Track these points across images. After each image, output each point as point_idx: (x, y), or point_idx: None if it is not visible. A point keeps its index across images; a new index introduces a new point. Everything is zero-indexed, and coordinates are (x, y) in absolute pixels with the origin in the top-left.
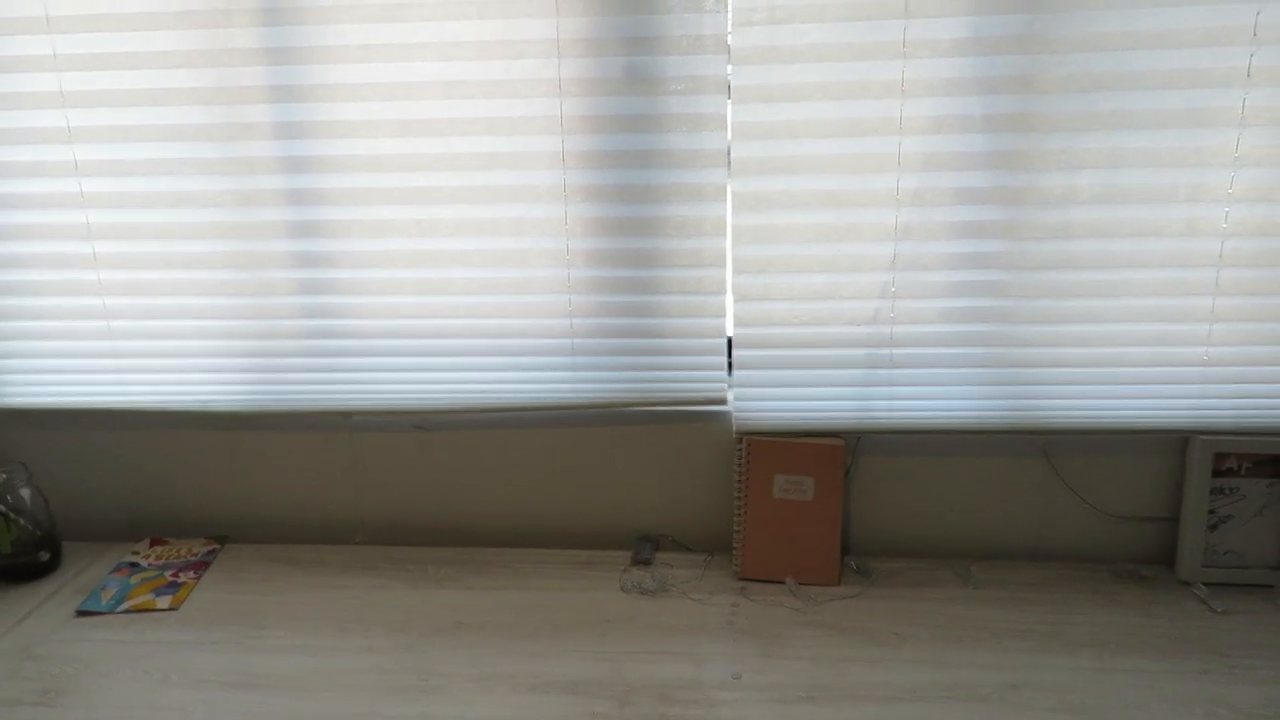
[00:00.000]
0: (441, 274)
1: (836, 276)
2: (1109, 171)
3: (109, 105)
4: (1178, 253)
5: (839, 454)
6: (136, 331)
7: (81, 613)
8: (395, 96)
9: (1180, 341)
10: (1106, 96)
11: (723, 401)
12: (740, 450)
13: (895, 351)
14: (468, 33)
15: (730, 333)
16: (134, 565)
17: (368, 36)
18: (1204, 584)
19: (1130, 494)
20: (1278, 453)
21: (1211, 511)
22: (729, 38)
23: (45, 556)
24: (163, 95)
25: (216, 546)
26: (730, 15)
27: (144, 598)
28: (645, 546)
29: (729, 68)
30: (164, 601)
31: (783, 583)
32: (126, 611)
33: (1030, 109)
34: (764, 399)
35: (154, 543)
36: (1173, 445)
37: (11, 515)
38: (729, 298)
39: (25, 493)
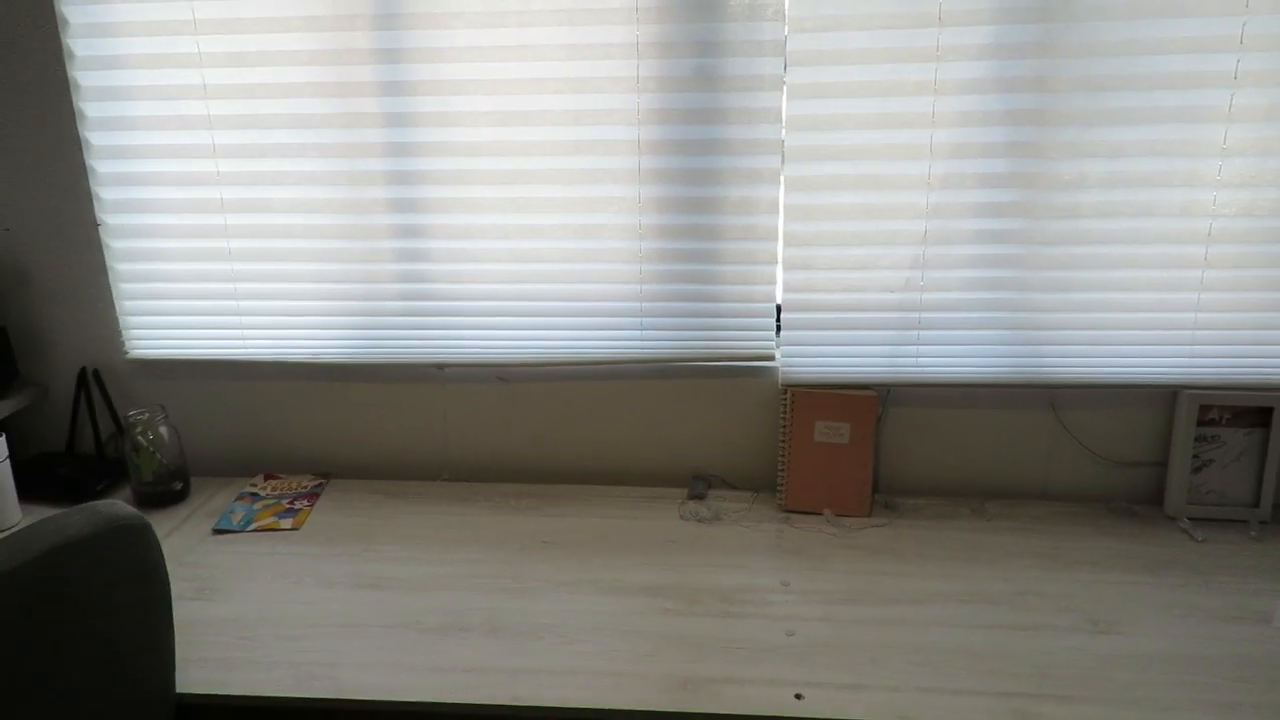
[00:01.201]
0: (529, 244)
1: (874, 250)
2: (1113, 160)
3: (243, 97)
4: (1172, 231)
5: (872, 404)
6: (259, 293)
7: (217, 531)
8: (494, 91)
9: (1172, 308)
10: (1111, 95)
11: (771, 358)
12: (785, 400)
13: (923, 315)
14: (560, 37)
15: (779, 298)
16: (254, 495)
17: (471, 40)
18: (1188, 519)
19: (1126, 441)
20: (1255, 405)
21: (1196, 456)
22: (785, 42)
23: (179, 486)
24: (290, 89)
25: (323, 481)
26: (786, 23)
27: (269, 520)
28: (699, 484)
29: (785, 68)
30: (287, 523)
31: (821, 514)
32: (255, 530)
33: (1045, 105)
34: (807, 356)
35: (267, 477)
36: (1163, 398)
37: (151, 450)
38: (779, 268)
39: (163, 430)
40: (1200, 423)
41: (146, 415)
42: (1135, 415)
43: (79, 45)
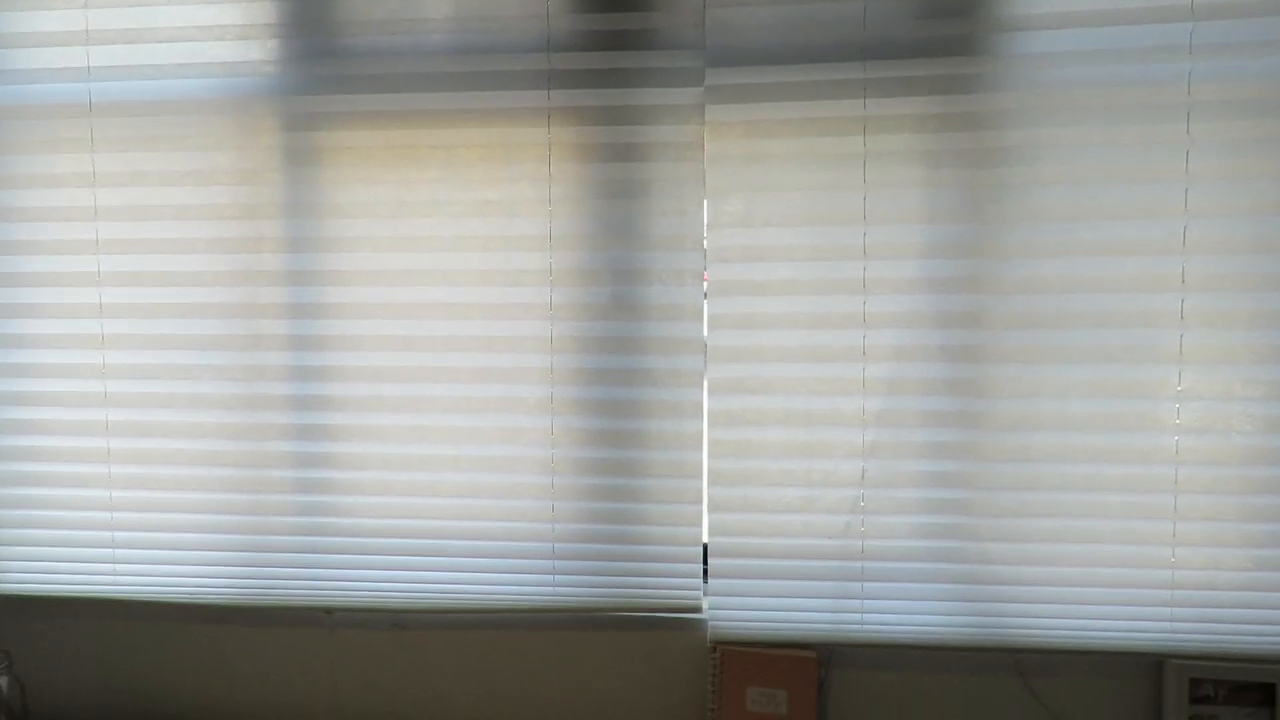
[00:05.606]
0: (431, 477)
1: (808, 491)
2: (1060, 401)
3: (139, 316)
4: (1135, 478)
5: (812, 667)
6: (137, 523)
7: None
8: (401, 315)
9: (1144, 563)
10: (1052, 333)
11: (698, 609)
12: (714, 660)
13: (866, 565)
14: (471, 262)
15: (705, 541)
16: None
17: (380, 264)
18: None
19: (1109, 717)
20: (1254, 680)
21: None
22: (705, 271)
23: None
24: (190, 309)
25: None
26: (706, 254)
27: None
28: None
29: (705, 291)
30: None
31: None
32: None
33: (982, 341)
34: (738, 608)
35: None
36: (1147, 668)
37: None
38: (704, 508)
39: (3, 681)
40: (1193, 699)
41: None
42: (1117, 687)
43: None
